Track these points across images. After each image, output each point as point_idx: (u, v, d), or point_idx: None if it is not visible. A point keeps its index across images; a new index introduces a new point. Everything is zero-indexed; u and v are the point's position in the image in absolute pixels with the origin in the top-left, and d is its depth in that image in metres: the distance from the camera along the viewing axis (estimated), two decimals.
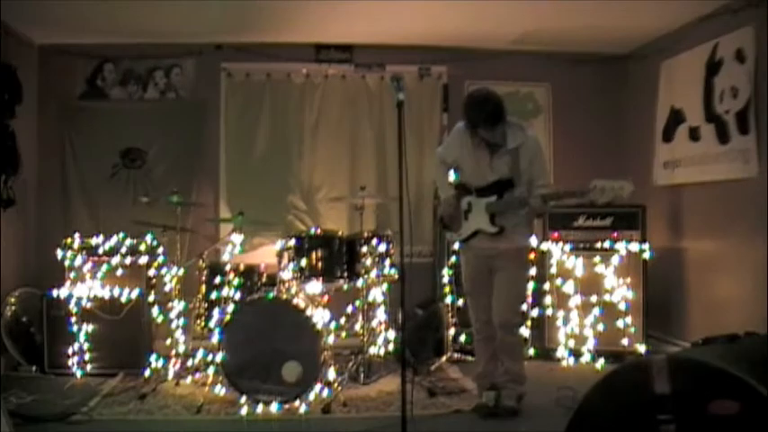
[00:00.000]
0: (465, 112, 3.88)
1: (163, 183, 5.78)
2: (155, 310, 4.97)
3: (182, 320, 4.83)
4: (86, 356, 4.77)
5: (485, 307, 4.03)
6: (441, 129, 6.08)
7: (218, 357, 4.10)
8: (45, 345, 4.82)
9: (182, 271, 4.87)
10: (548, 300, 5.32)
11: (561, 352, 5.22)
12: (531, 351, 5.23)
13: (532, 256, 5.22)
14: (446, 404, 4.17)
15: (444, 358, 5.14)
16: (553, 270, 5.32)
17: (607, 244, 5.25)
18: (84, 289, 4.88)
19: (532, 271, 5.28)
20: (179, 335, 4.81)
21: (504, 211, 3.89)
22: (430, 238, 5.95)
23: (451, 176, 4.10)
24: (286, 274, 4.41)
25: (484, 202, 3.92)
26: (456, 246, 4.91)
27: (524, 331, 5.17)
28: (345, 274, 4.57)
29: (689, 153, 5.19)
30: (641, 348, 5.09)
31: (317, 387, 4.08)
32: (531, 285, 5.30)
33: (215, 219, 5.74)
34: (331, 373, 4.26)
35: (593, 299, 5.19)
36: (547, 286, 5.33)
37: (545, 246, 5.36)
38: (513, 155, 3.88)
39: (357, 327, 4.91)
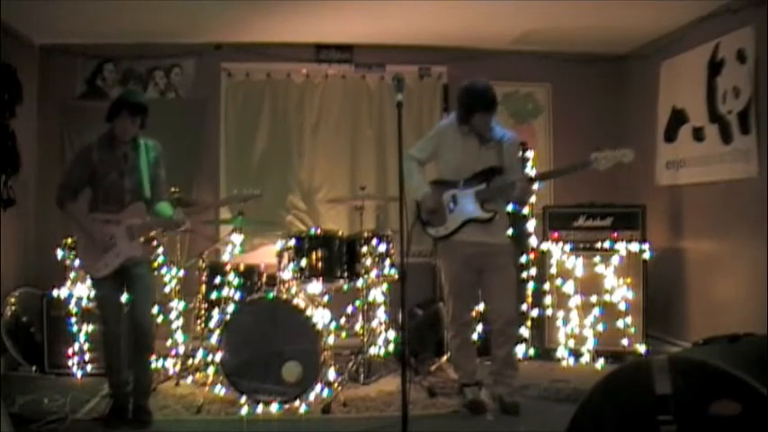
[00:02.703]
0: (463, 100, 3.95)
1: None
2: (155, 310, 4.97)
3: (181, 320, 4.84)
4: (86, 356, 4.77)
5: (468, 308, 4.09)
6: None
7: (218, 357, 4.10)
8: (45, 345, 4.82)
9: (182, 271, 4.87)
10: (548, 300, 5.32)
11: (561, 352, 5.22)
12: (532, 351, 5.24)
13: (532, 256, 5.29)
14: (446, 404, 4.17)
15: (444, 358, 5.13)
16: (553, 270, 5.33)
17: (607, 244, 5.25)
18: (84, 289, 4.87)
19: (532, 271, 5.31)
20: (179, 335, 4.81)
21: (495, 196, 3.93)
22: (429, 238, 5.94)
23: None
24: (286, 274, 4.41)
25: (472, 190, 3.94)
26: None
27: (524, 331, 5.20)
28: (345, 274, 4.56)
29: (693, 153, 5.17)
30: (641, 348, 5.09)
31: (317, 387, 4.08)
32: (531, 285, 5.33)
33: (215, 220, 5.72)
34: (331, 373, 4.26)
35: (594, 299, 5.20)
36: (547, 286, 5.33)
37: (545, 246, 5.36)
38: (498, 147, 3.96)
39: (357, 327, 4.91)
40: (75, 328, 4.77)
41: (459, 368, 4.20)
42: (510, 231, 4.22)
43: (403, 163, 4.08)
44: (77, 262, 4.95)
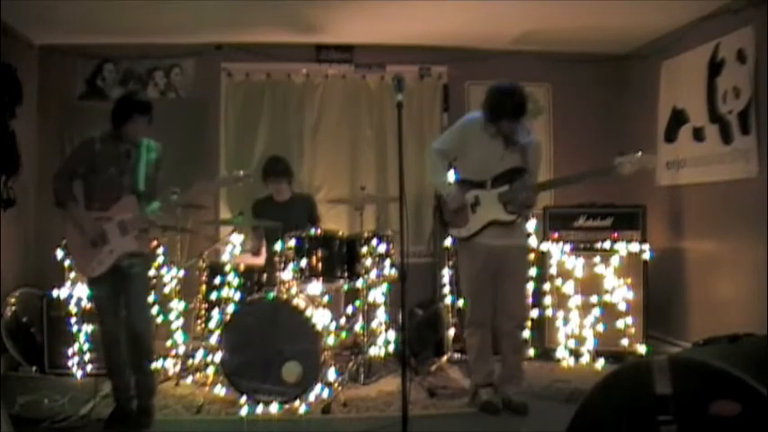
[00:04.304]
0: (492, 103, 3.89)
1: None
2: (155, 310, 4.97)
3: (181, 320, 4.84)
4: (86, 356, 4.77)
5: (486, 309, 4.07)
6: (441, 129, 6.07)
7: (218, 357, 4.10)
8: (45, 345, 4.82)
9: (182, 271, 4.87)
10: (548, 300, 5.32)
11: (561, 352, 5.22)
12: (531, 351, 5.23)
13: (532, 255, 5.28)
14: (446, 404, 4.17)
15: (444, 358, 5.14)
16: (553, 270, 5.32)
17: (607, 244, 5.25)
18: (84, 289, 4.87)
19: (532, 271, 5.30)
20: (179, 335, 4.81)
21: (519, 197, 3.92)
22: (430, 237, 5.94)
23: (452, 175, 4.10)
24: (286, 275, 4.41)
25: (495, 192, 3.94)
26: (448, 242, 4.95)
27: (525, 332, 5.20)
28: (345, 275, 4.56)
29: (694, 153, 5.17)
30: (641, 349, 5.09)
31: (317, 387, 4.08)
32: (530, 285, 5.32)
33: (215, 221, 5.70)
34: (331, 373, 4.26)
35: (594, 299, 5.19)
36: (547, 286, 5.33)
37: (545, 246, 5.36)
38: (522, 150, 3.95)
39: (357, 327, 4.90)
40: (75, 328, 4.76)
41: (476, 369, 4.17)
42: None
43: (426, 157, 4.14)
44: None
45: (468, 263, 4.13)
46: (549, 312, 5.31)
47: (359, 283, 4.65)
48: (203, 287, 4.75)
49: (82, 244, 3.74)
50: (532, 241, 5.29)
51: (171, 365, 4.73)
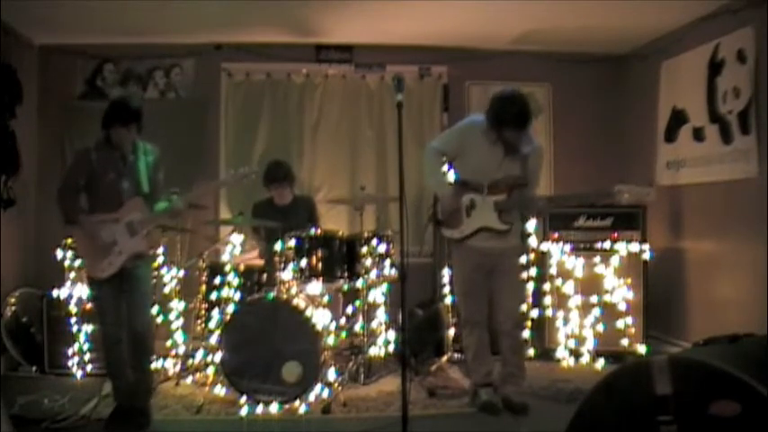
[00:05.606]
0: (496, 111, 3.87)
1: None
2: (155, 310, 4.97)
3: (181, 320, 4.84)
4: (86, 356, 4.77)
5: (480, 308, 4.08)
6: (441, 129, 6.07)
7: (218, 357, 4.10)
8: (45, 345, 4.82)
9: (182, 271, 4.87)
10: (548, 300, 5.32)
11: (561, 352, 5.22)
12: (531, 351, 5.23)
13: (532, 255, 5.29)
14: (446, 404, 4.17)
15: (444, 358, 5.14)
16: (553, 270, 5.32)
17: (607, 244, 5.25)
18: (84, 289, 4.87)
19: (532, 271, 5.31)
20: (179, 335, 4.81)
21: (514, 208, 3.92)
22: (430, 237, 5.93)
23: (451, 175, 4.10)
24: (286, 274, 4.41)
25: (492, 199, 3.92)
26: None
27: (524, 331, 5.20)
28: (345, 275, 4.56)
29: (694, 153, 5.17)
30: (641, 349, 5.09)
31: (317, 387, 4.08)
32: (530, 285, 5.33)
33: (215, 221, 5.70)
34: (331, 373, 4.26)
35: (594, 299, 5.19)
36: (547, 286, 5.33)
37: (545, 246, 5.36)
38: (523, 159, 3.93)
39: (357, 327, 4.90)
40: (75, 328, 4.76)
41: (474, 369, 4.16)
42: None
43: (424, 155, 4.10)
44: (78, 262, 4.95)
45: (460, 263, 4.14)
46: (549, 312, 5.31)
47: (359, 283, 4.65)
48: (203, 287, 4.75)
49: (92, 247, 3.73)
50: (532, 241, 5.33)
51: (171, 365, 4.73)
